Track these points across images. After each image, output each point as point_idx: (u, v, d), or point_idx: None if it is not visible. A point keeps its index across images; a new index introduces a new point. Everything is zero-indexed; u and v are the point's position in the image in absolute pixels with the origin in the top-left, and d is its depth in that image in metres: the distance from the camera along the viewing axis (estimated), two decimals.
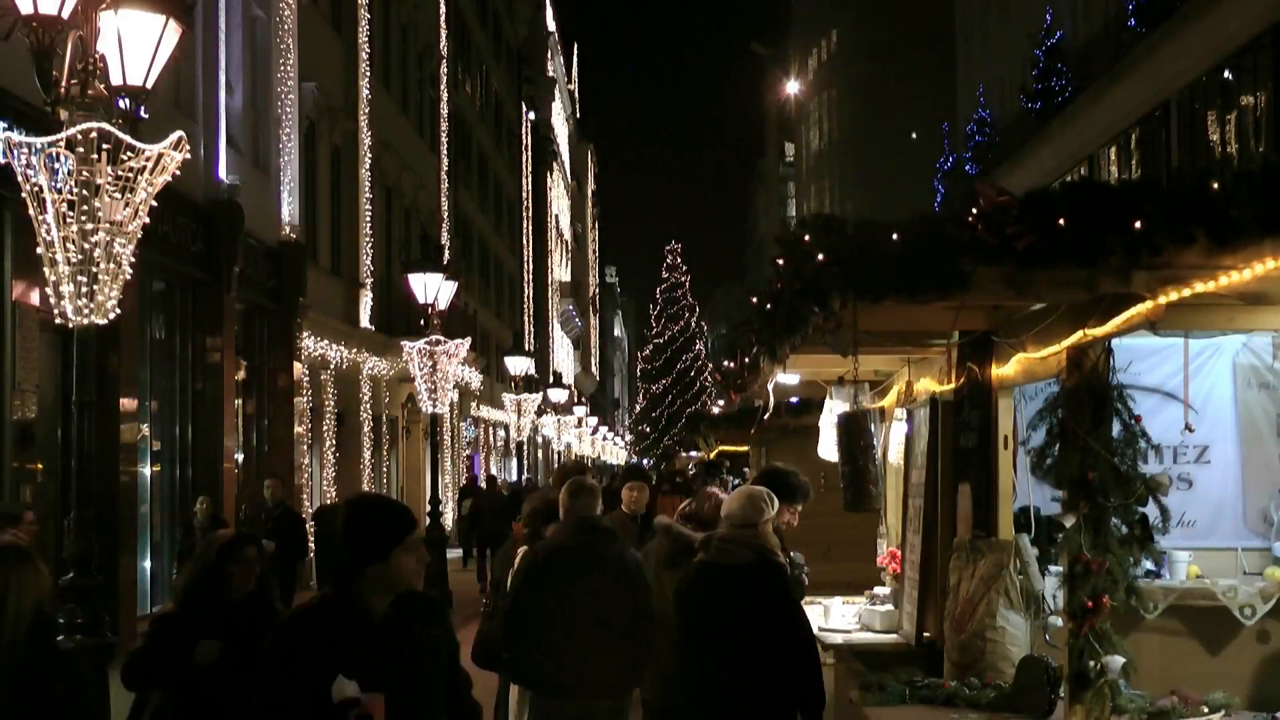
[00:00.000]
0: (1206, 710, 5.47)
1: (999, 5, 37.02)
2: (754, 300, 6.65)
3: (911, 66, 56.77)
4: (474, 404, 39.44)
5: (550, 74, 68.04)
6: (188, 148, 7.60)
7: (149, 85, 7.46)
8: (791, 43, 79.16)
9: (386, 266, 28.01)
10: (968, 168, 35.47)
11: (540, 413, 43.04)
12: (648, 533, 9.20)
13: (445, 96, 36.29)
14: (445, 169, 35.86)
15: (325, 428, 23.09)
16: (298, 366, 20.83)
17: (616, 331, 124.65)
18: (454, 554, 26.58)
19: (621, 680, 6.63)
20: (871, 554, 9.41)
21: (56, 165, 7.13)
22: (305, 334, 21.30)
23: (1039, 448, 5.34)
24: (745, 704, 6.06)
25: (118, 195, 7.26)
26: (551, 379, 49.86)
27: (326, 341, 22.72)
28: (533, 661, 6.57)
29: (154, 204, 7.52)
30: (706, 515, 7.16)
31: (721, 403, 16.83)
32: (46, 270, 7.32)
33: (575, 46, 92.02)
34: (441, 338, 19.31)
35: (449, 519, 30.22)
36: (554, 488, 7.80)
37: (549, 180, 64.46)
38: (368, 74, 26.25)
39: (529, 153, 57.01)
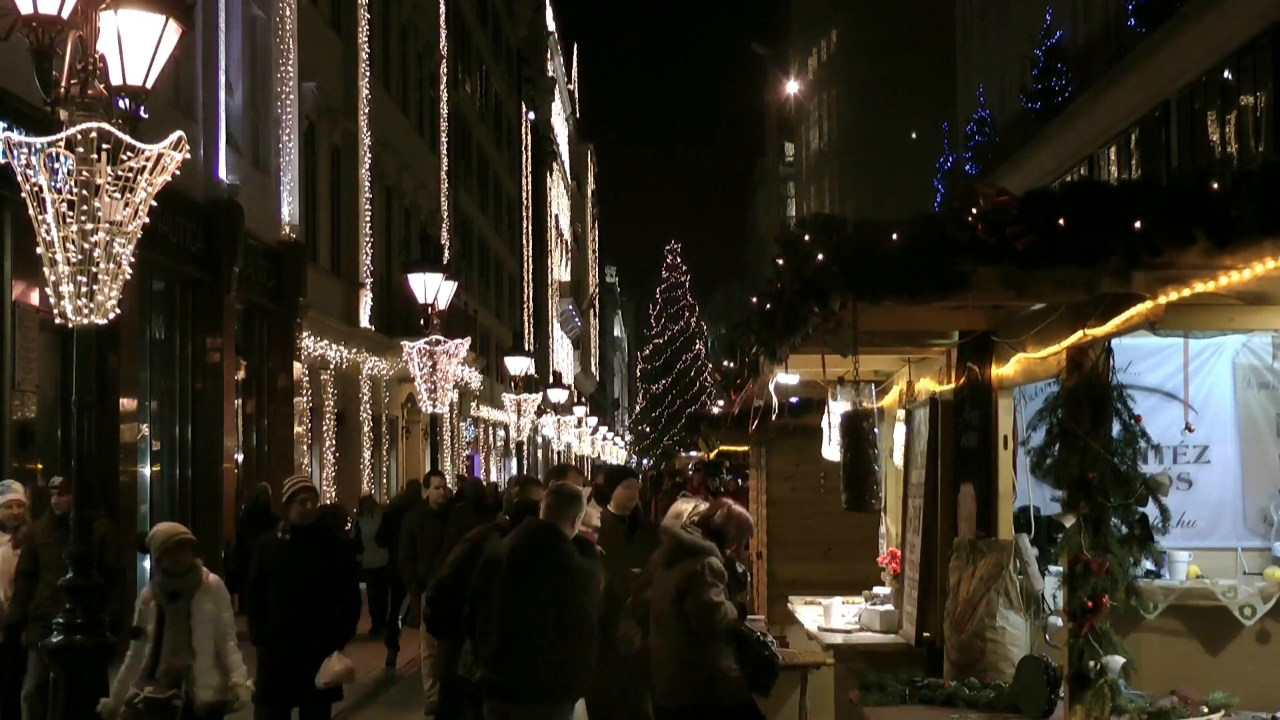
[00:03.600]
0: (1206, 710, 5.47)
1: (999, 5, 37.01)
2: (754, 300, 6.65)
3: (911, 66, 56.74)
4: (474, 404, 39.44)
5: (550, 74, 68.03)
6: (187, 148, 7.60)
7: (149, 85, 7.45)
8: (791, 43, 79.15)
9: (386, 266, 28.01)
10: (968, 168, 35.46)
11: (540, 413, 43.04)
12: (635, 532, 9.20)
13: (445, 96, 36.29)
14: (445, 169, 35.86)
15: (325, 428, 23.09)
16: (298, 366, 20.83)
17: (616, 331, 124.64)
18: None
19: (559, 687, 6.65)
20: (871, 554, 9.41)
21: (56, 165, 7.12)
22: (305, 334, 21.30)
23: (1039, 448, 5.34)
24: None
25: (118, 195, 7.25)
26: (551, 379, 49.86)
27: (326, 341, 22.72)
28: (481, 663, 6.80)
29: (154, 204, 7.51)
30: (716, 524, 7.21)
31: (721, 403, 16.81)
32: (46, 270, 7.31)
33: (575, 46, 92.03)
34: (441, 338, 19.31)
35: None
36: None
37: (549, 180, 64.46)
38: (368, 74, 26.25)
39: (529, 153, 57.01)
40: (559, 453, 59.25)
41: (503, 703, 6.70)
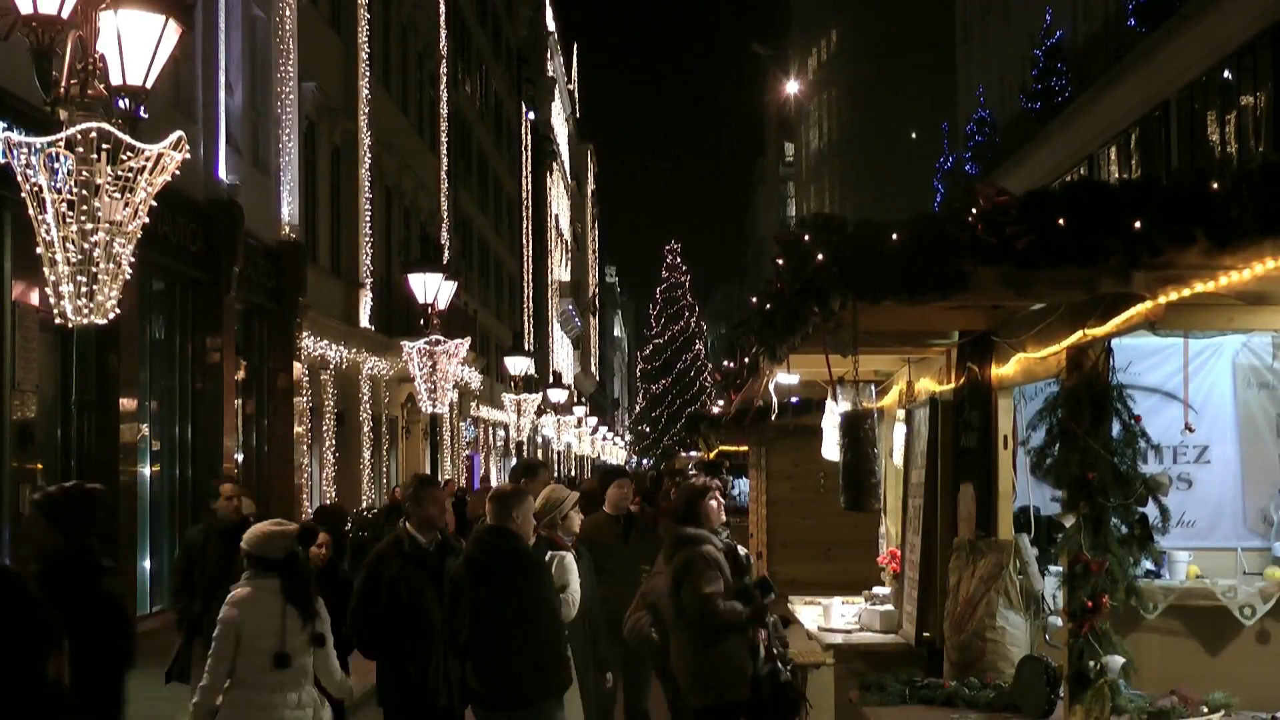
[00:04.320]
0: (1206, 710, 5.47)
1: (999, 5, 37.01)
2: (754, 300, 6.66)
3: (911, 66, 56.77)
4: (474, 404, 39.43)
5: (550, 74, 68.03)
6: (187, 148, 7.60)
7: (149, 85, 7.46)
8: (791, 43, 79.15)
9: (386, 266, 28.01)
10: (968, 168, 35.45)
11: (540, 413, 43.04)
12: (631, 532, 9.20)
13: (445, 96, 36.28)
14: (445, 169, 35.85)
15: (325, 428, 23.08)
16: (298, 366, 20.83)
17: (616, 331, 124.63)
18: None
19: (530, 690, 6.59)
20: (871, 554, 9.41)
21: (56, 165, 7.13)
22: (305, 334, 21.29)
23: (1039, 448, 5.34)
24: None
25: (117, 195, 7.26)
26: (551, 379, 49.87)
27: (326, 341, 22.71)
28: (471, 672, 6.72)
29: (154, 204, 7.52)
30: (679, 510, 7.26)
31: (721, 403, 16.80)
32: (46, 270, 7.32)
33: (575, 46, 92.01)
34: (441, 338, 19.31)
35: None
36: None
37: (549, 180, 64.45)
38: (368, 74, 26.24)
39: (529, 153, 57.00)
40: (559, 452, 59.26)
41: (489, 712, 6.67)
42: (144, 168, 7.30)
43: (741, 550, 7.55)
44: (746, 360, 7.52)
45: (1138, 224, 4.66)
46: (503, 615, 6.50)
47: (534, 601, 6.56)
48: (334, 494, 22.67)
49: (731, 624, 6.80)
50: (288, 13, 20.99)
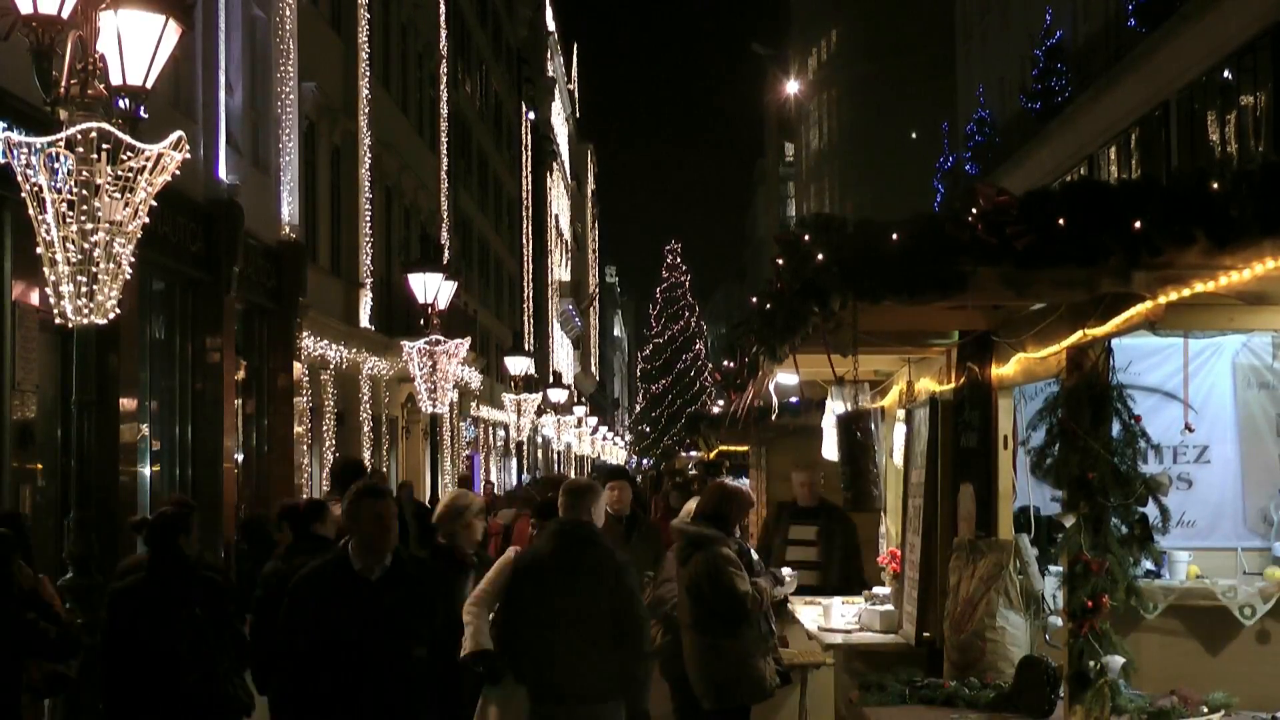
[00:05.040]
0: (1206, 710, 5.47)
1: (999, 5, 37.01)
2: (754, 300, 6.66)
3: (911, 66, 56.77)
4: (474, 404, 39.43)
5: (550, 74, 68.03)
6: (187, 148, 7.60)
7: (149, 85, 7.46)
8: (791, 43, 79.17)
9: (386, 266, 28.00)
10: (968, 168, 35.45)
11: (540, 413, 43.04)
12: (633, 533, 9.20)
13: (445, 96, 36.29)
14: (445, 169, 35.85)
15: (325, 428, 23.08)
16: (298, 366, 20.81)
17: (616, 331, 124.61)
18: None
19: (609, 686, 6.46)
20: (872, 554, 9.42)
21: (56, 165, 7.12)
22: (305, 334, 21.28)
23: (1039, 448, 5.34)
24: None
25: (117, 195, 7.26)
26: (551, 379, 49.86)
27: (326, 341, 22.70)
28: (522, 668, 6.54)
29: (154, 204, 7.51)
30: (713, 509, 7.22)
31: (721, 403, 16.81)
32: (46, 270, 7.32)
33: (575, 46, 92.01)
34: (441, 338, 19.31)
35: None
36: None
37: (549, 180, 64.45)
38: (368, 74, 26.24)
39: (529, 153, 56.99)
40: (559, 453, 59.25)
41: (553, 705, 6.49)
42: (144, 168, 7.30)
43: (755, 555, 7.56)
44: (746, 360, 7.51)
45: (1138, 224, 4.66)
46: (573, 612, 6.34)
47: (601, 604, 6.39)
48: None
49: (748, 613, 6.81)
50: (288, 13, 20.98)
